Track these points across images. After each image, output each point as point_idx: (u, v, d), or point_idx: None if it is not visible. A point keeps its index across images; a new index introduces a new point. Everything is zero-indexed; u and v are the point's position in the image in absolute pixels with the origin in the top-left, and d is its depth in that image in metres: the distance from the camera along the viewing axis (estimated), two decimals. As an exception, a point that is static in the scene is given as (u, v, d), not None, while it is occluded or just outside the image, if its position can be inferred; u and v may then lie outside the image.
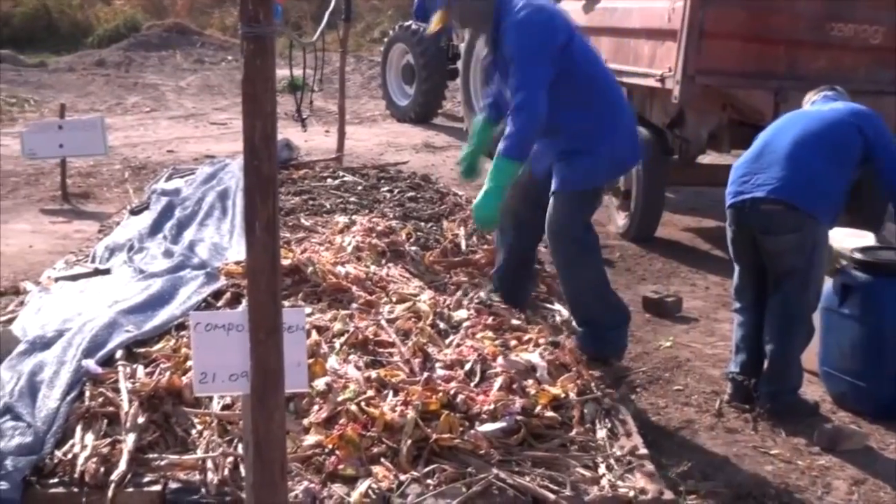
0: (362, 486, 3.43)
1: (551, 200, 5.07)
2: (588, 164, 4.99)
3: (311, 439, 3.70)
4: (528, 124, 4.69)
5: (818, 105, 5.16)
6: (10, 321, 5.08)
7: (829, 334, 5.08)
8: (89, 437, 3.66)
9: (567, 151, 5.01)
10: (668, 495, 3.57)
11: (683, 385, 5.31)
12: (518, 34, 4.71)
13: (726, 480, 4.21)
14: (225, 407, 3.90)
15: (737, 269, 5.13)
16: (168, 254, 6.00)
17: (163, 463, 3.55)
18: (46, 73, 22.52)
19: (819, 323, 5.02)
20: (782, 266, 4.86)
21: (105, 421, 3.80)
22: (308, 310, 4.75)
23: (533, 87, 4.68)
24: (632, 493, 3.51)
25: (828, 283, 5.01)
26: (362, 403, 3.85)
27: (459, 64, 13.75)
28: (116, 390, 3.96)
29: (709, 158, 9.39)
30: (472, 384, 4.16)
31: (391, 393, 4.01)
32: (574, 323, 5.30)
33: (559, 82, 4.78)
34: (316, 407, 3.89)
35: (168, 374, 4.07)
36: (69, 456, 3.55)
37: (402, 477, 3.51)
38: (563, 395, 4.14)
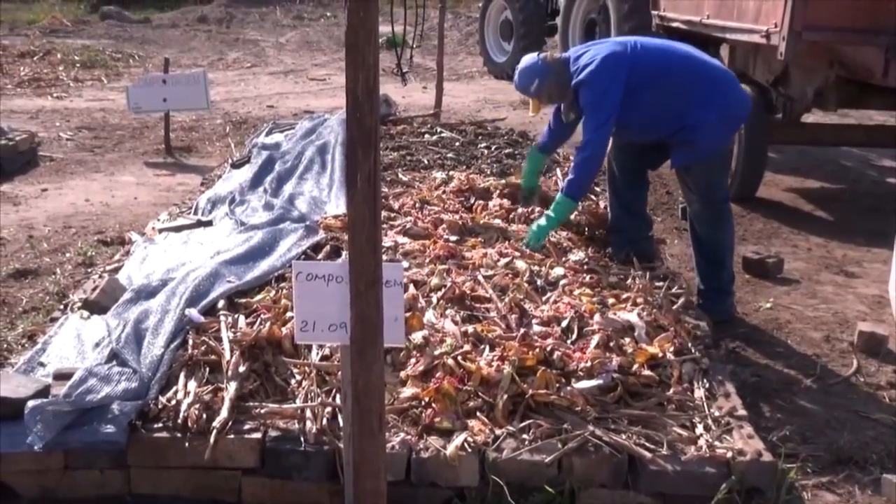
0: (458, 440, 3.45)
1: (690, 177, 5.39)
2: (705, 132, 5.17)
3: (407, 392, 3.73)
4: (588, 164, 5.25)
5: None
6: (117, 270, 5.23)
7: None
8: (192, 385, 3.75)
9: (681, 132, 5.21)
10: (767, 457, 3.51)
11: (783, 347, 5.22)
12: (585, 92, 5.23)
13: (826, 444, 4.13)
14: (323, 358, 3.95)
15: None
16: (268, 207, 6.09)
17: (263, 411, 3.63)
18: (150, 28, 22.99)
19: None
20: None
21: (207, 369, 3.89)
22: (405, 264, 4.78)
23: (597, 133, 5.19)
24: (730, 454, 3.47)
25: None
26: (459, 357, 3.87)
27: (558, 20, 13.59)
28: (218, 339, 4.05)
29: (812, 117, 9.13)
30: (569, 341, 4.15)
31: (487, 348, 4.02)
32: (701, 286, 5.45)
33: (641, 96, 5.14)
34: (413, 360, 3.92)
35: (268, 324, 4.14)
36: (173, 402, 3.65)
37: (498, 431, 3.53)
38: (660, 355, 4.10)
